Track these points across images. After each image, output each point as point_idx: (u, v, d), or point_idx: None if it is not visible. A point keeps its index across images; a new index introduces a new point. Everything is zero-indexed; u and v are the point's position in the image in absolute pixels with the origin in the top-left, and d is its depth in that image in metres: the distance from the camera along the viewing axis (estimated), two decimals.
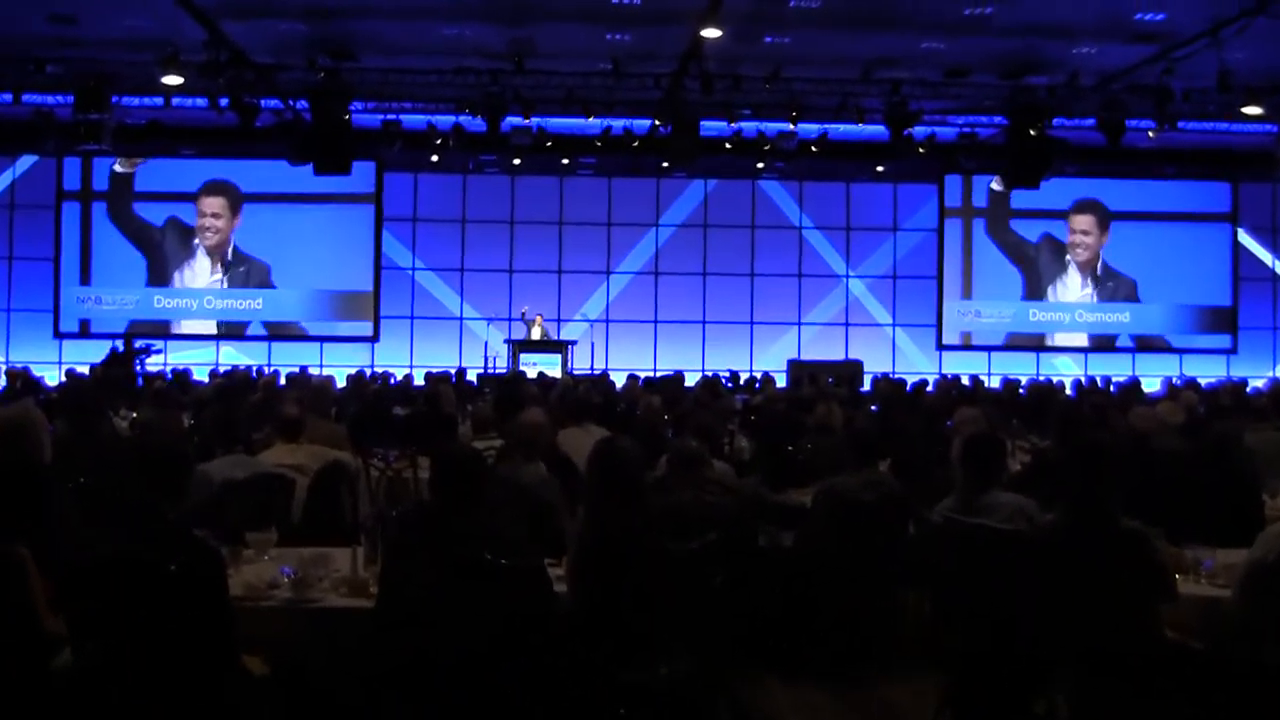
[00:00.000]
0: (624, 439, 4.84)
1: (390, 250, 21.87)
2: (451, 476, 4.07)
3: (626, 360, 20.44)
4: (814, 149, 18.52)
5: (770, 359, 21.42)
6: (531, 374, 16.44)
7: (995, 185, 20.74)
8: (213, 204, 21.33)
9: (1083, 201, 22.13)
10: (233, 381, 12.97)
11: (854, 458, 5.92)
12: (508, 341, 19.49)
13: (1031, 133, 16.64)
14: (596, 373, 17.88)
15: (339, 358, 20.73)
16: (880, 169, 20.86)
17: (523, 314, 19.42)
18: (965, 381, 15.32)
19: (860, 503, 5.67)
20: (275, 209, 21.26)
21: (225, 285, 21.34)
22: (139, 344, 17.83)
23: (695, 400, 10.65)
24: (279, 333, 21.39)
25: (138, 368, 16.58)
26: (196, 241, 21.38)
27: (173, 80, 14.74)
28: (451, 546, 3.88)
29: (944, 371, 20.54)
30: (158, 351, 18.61)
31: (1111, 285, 22.27)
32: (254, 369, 16.73)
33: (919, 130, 17.63)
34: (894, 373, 20.14)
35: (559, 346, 19.20)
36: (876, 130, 17.23)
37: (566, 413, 8.13)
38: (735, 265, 22.27)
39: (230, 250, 21.47)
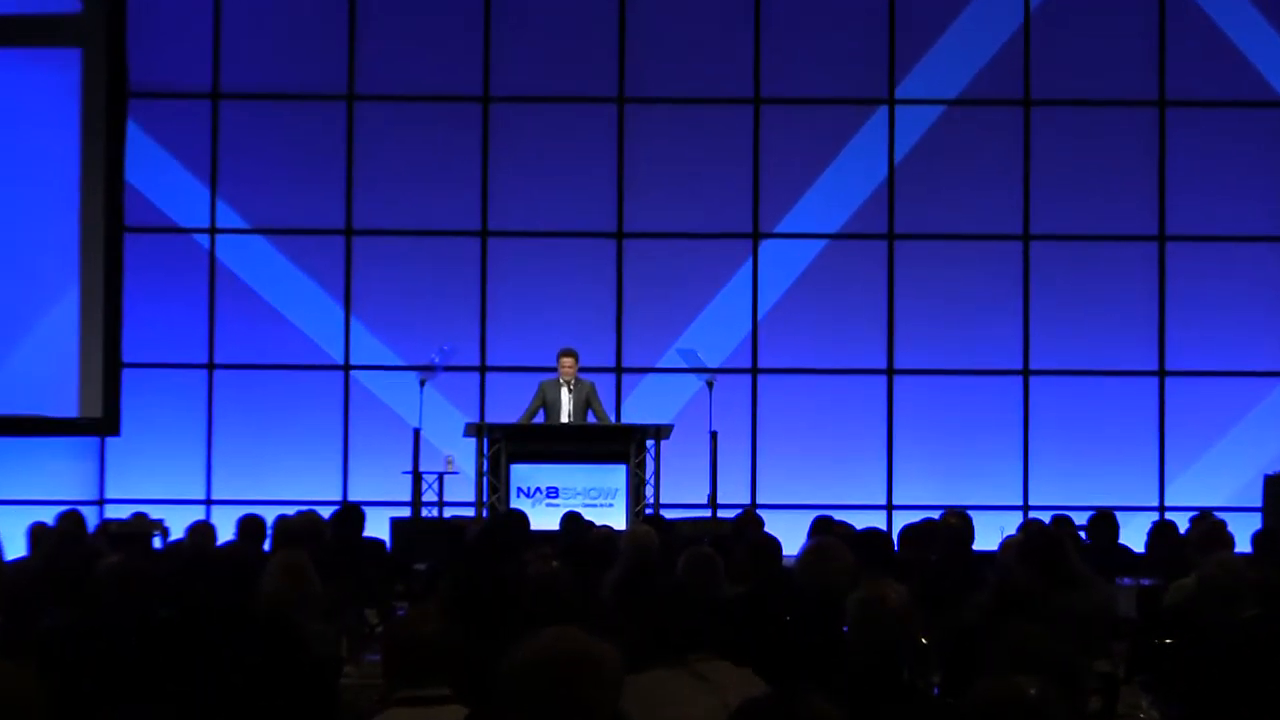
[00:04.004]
0: (810, 695, 4.35)
1: (144, 183, 20.35)
2: None
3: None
4: None
5: (1208, 471, 20.02)
6: (542, 520, 15.56)
7: None
8: None
9: None
10: None
11: None
12: (471, 427, 18.30)
13: None
14: (727, 512, 17.34)
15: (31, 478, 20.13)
16: None
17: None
18: None
19: None
20: None
21: None
22: None
23: (1007, 591, 9.59)
24: None
25: None
26: None
27: None
28: None
29: None
30: None
31: None
32: None
33: None
34: None
35: (623, 438, 17.77)
36: None
37: (643, 629, 7.54)
38: (1091, 218, 20.37)
39: None
